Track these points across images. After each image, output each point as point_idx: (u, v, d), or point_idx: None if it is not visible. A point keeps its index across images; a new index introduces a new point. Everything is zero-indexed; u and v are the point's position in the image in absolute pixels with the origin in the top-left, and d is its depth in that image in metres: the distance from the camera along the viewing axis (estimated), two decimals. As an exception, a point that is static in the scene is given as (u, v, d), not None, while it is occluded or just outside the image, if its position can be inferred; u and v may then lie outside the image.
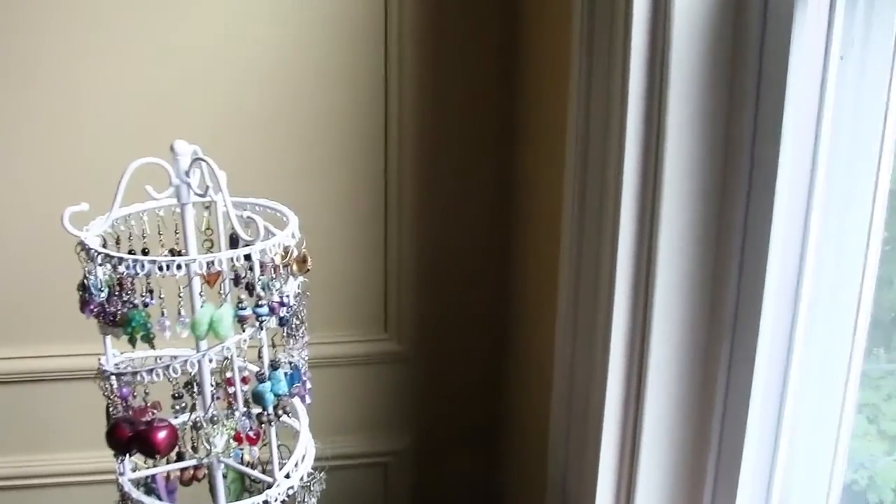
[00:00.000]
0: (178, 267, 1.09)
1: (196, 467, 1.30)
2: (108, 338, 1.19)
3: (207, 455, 1.20)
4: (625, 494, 1.28)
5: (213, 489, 1.29)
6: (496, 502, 2.02)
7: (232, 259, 1.12)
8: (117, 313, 1.12)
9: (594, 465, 1.28)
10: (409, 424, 2.01)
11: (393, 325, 1.92)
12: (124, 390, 1.20)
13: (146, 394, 1.23)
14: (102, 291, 1.12)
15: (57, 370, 1.83)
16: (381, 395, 1.97)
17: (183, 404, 1.29)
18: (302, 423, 1.32)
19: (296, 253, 1.20)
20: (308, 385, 1.26)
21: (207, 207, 1.26)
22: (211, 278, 1.18)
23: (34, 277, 1.77)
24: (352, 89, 1.73)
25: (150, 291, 1.18)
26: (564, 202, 1.35)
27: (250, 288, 1.14)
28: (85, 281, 1.14)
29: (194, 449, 1.20)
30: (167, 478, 1.32)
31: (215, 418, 1.19)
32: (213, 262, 1.11)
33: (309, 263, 1.20)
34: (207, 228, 1.26)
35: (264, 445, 1.24)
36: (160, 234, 1.25)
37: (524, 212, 1.74)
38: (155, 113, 1.71)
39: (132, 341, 1.14)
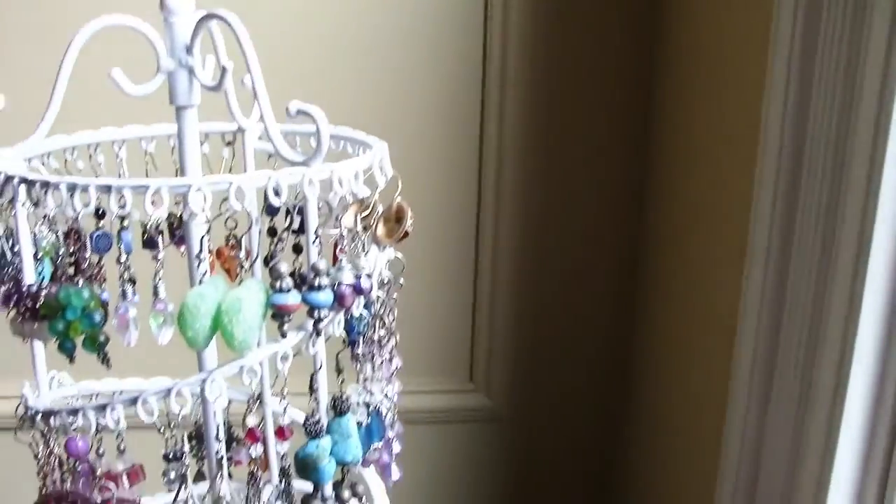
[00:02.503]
0: (152, 201, 0.54)
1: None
2: (39, 347, 0.65)
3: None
4: None
5: None
6: None
7: (266, 192, 0.57)
8: (40, 295, 0.58)
9: None
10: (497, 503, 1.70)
11: (481, 372, 1.60)
12: (78, 444, 0.67)
13: (121, 452, 0.70)
14: (13, 255, 0.59)
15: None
16: (462, 463, 1.67)
17: (183, 471, 0.81)
18: (378, 510, 0.77)
19: (381, 206, 0.66)
20: (397, 447, 0.71)
21: (230, 143, 0.83)
22: (221, 252, 0.66)
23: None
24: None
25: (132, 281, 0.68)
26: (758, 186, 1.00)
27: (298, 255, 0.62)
28: (-7, 240, 0.61)
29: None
30: None
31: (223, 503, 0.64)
32: (228, 194, 0.55)
33: (408, 224, 0.66)
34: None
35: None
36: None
37: (668, 203, 1.41)
38: None
39: (66, 349, 0.58)
